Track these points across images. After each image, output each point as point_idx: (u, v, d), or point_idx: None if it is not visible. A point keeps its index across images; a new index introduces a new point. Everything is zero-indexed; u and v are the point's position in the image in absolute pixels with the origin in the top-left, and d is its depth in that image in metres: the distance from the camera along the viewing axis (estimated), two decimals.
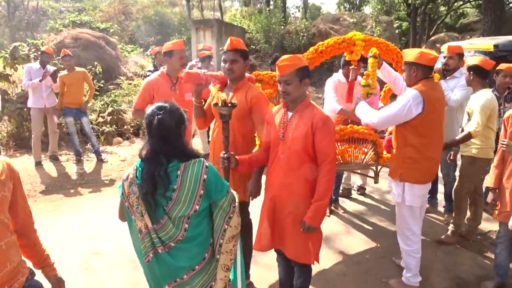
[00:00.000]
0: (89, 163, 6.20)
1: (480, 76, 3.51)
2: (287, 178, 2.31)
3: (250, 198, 2.69)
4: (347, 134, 3.37)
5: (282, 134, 2.32)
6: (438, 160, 2.96)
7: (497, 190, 2.99)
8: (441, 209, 4.45)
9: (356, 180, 5.25)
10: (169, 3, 20.65)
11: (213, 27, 12.14)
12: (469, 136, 3.43)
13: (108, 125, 7.48)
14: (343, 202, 4.79)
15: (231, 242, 1.80)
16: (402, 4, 20.06)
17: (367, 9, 22.10)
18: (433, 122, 2.74)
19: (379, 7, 17.65)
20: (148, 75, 4.70)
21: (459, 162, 3.86)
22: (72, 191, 5.25)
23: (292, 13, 23.82)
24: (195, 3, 21.32)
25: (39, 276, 1.72)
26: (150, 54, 10.39)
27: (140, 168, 1.74)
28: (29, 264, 1.69)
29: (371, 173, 3.94)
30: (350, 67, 3.69)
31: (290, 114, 2.35)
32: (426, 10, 19.13)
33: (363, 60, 3.62)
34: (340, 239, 3.91)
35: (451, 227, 3.82)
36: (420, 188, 2.82)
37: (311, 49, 3.52)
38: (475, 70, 3.51)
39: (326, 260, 3.42)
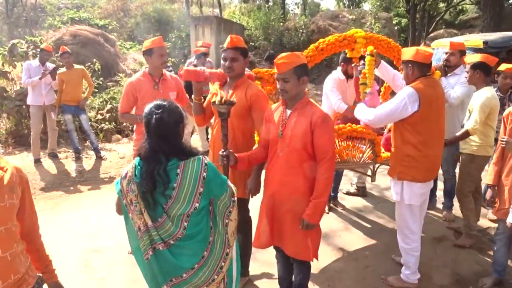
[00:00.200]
0: (88, 161, 6.20)
1: (486, 73, 3.42)
2: (286, 175, 2.31)
3: (250, 195, 2.69)
4: (346, 133, 3.37)
5: (281, 131, 2.32)
6: (439, 158, 2.92)
7: (496, 187, 2.98)
8: (439, 206, 4.45)
9: (353, 178, 5.25)
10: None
11: (212, 23, 12.12)
12: (467, 134, 3.43)
13: (107, 122, 7.48)
14: (342, 199, 4.80)
15: (233, 236, 1.85)
16: (401, 0, 20.01)
17: (366, 6, 22.12)
18: (430, 120, 2.72)
19: (378, 3, 17.65)
20: None
21: None
22: (71, 188, 5.25)
23: (291, 10, 23.89)
24: None
25: None
26: None
27: (139, 167, 1.73)
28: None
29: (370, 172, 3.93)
30: (352, 65, 3.69)
31: (289, 111, 2.35)
32: (425, 7, 19.11)
33: (363, 58, 3.62)
34: (339, 236, 3.92)
35: (464, 229, 3.73)
36: (419, 187, 2.81)
37: (311, 46, 3.51)
38: (481, 67, 3.40)
39: (325, 256, 3.43)
